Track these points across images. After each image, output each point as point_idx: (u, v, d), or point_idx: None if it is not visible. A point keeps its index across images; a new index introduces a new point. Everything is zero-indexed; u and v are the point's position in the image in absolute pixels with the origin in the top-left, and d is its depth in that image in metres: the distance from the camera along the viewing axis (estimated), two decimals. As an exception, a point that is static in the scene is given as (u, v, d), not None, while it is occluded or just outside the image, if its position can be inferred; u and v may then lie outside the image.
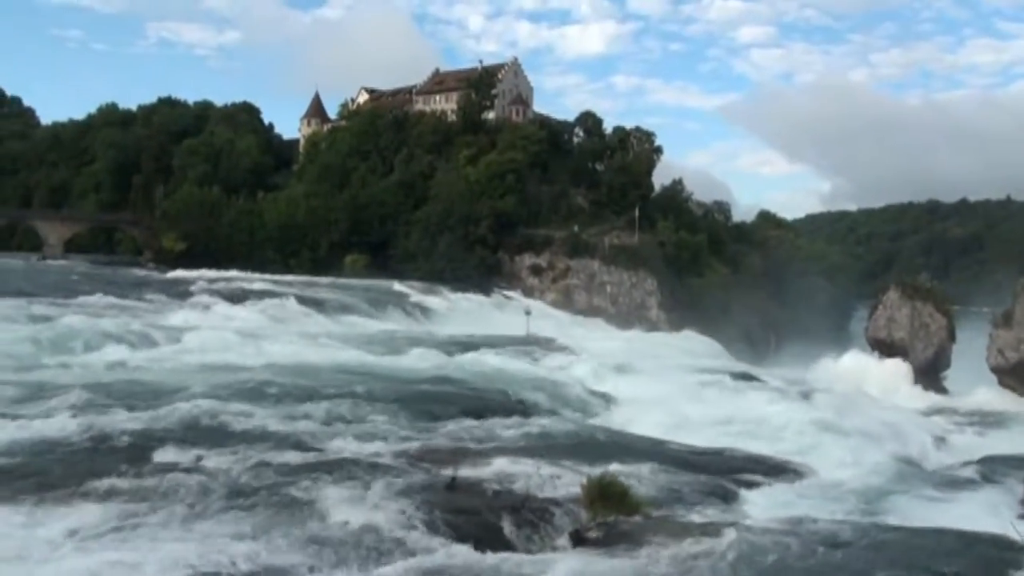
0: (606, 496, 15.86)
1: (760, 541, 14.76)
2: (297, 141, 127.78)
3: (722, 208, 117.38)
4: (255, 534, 14.41)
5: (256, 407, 25.28)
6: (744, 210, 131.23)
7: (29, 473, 17.72)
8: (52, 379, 28.93)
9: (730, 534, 14.73)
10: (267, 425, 23.30)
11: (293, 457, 19.86)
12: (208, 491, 16.83)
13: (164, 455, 19.47)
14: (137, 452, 19.76)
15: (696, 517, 17.68)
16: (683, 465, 22.31)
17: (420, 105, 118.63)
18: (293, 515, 15.74)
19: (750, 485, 21.60)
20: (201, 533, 14.44)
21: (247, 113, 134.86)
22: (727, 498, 20.09)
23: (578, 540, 15.37)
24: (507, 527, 15.75)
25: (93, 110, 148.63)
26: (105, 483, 16.99)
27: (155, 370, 32.35)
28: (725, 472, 22.29)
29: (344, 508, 15.95)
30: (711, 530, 15.51)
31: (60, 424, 21.68)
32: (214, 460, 19.20)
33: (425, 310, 70.28)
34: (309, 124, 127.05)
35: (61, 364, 32.33)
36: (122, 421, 22.57)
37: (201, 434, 21.96)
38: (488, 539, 15.08)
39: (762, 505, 19.57)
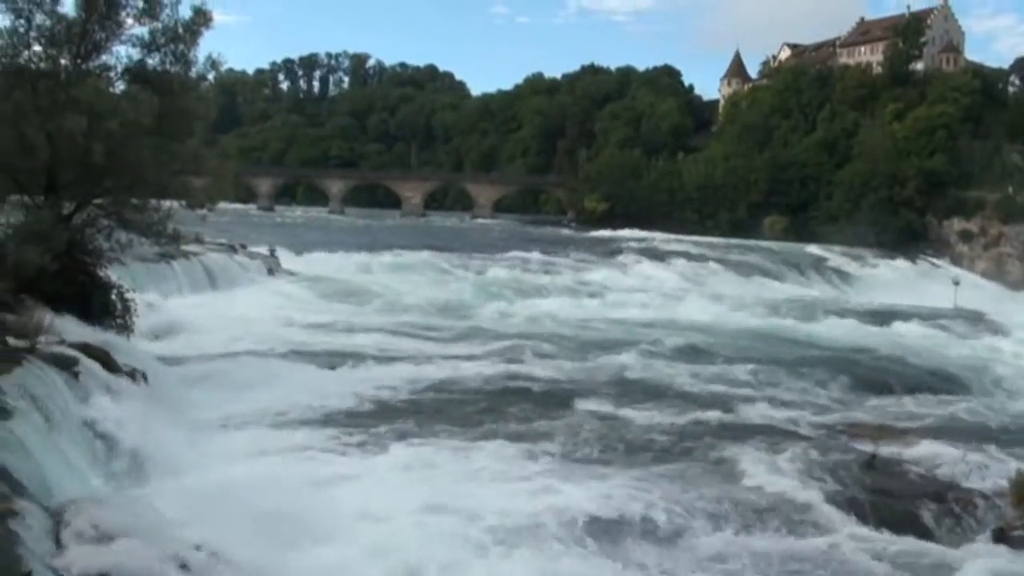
0: (1036, 494, 14.66)
1: None
2: (717, 102, 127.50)
3: None
4: (667, 486, 15.09)
5: (672, 365, 26.33)
6: None
7: (458, 409, 19.91)
8: (485, 326, 32.39)
9: None
10: (682, 383, 24.18)
11: (707, 416, 20.44)
12: (624, 441, 17.91)
13: (584, 404, 20.93)
14: (558, 399, 21.47)
15: None
16: None
17: (844, 58, 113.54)
18: (705, 472, 16.32)
19: None
20: (614, 478, 15.36)
21: (668, 76, 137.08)
22: None
23: (1000, 538, 14.42)
24: (926, 515, 15.23)
25: (519, 80, 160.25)
26: (528, 424, 18.70)
27: (578, 323, 34.69)
28: None
29: (757, 473, 16.21)
30: None
31: (488, 367, 24.13)
32: (631, 412, 20.32)
33: (845, 276, 67.74)
34: (729, 84, 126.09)
35: (493, 313, 35.97)
36: (546, 368, 24.73)
37: (620, 387, 23.34)
38: (904, 525, 14.72)
39: None
